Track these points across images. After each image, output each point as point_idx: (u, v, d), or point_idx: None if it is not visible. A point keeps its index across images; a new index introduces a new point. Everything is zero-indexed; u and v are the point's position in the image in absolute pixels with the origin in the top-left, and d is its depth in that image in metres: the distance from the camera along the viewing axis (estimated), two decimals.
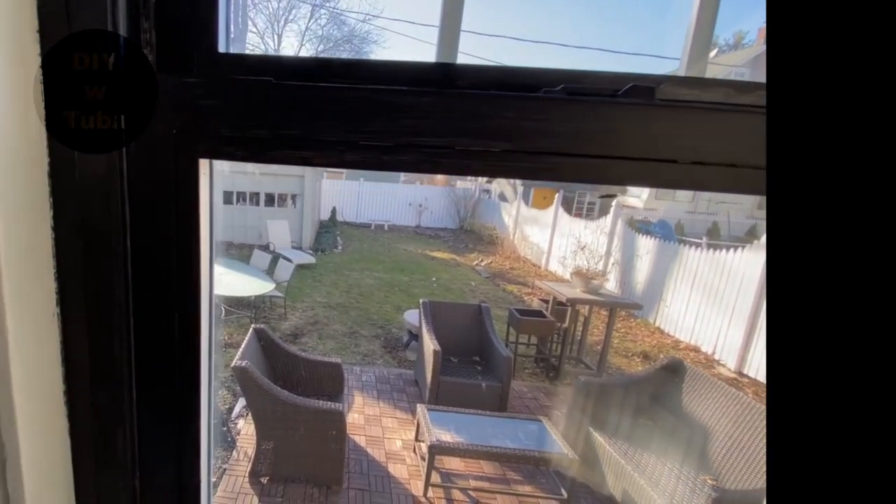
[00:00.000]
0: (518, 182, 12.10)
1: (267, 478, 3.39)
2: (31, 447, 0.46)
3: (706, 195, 13.30)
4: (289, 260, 7.18)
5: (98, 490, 0.52)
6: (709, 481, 3.07)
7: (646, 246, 7.41)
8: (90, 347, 0.48)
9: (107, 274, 0.45)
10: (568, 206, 11.13)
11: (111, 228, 0.44)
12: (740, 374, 5.43)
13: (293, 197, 11.38)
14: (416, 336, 5.36)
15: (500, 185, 14.74)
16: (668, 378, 3.77)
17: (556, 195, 10.13)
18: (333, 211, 13.57)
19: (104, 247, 0.45)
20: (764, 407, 2.85)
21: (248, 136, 0.43)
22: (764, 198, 0.34)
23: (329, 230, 12.29)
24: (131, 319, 0.47)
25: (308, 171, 10.87)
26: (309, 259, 9.46)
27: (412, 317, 5.50)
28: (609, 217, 8.20)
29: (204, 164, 0.45)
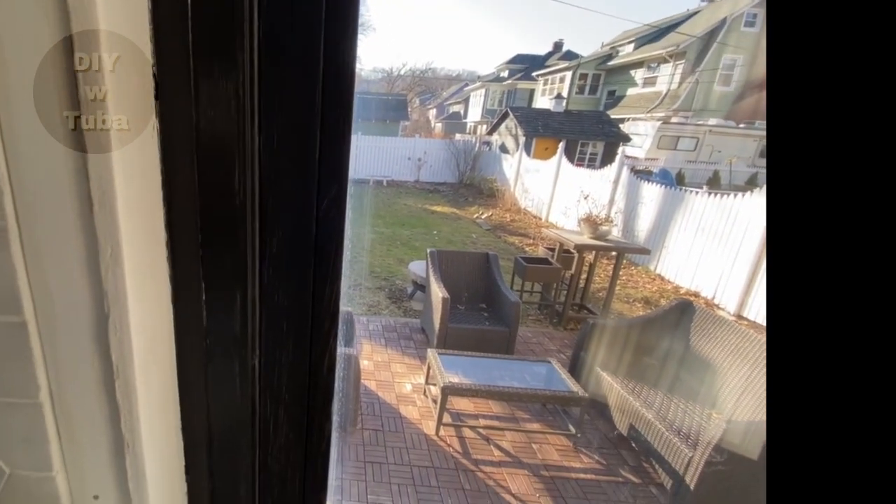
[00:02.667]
0: (520, 132, 11.79)
1: None
2: (137, 305, 0.37)
3: (709, 143, 13.12)
4: None
5: (205, 369, 0.44)
6: (714, 415, 3.18)
7: (650, 194, 7.33)
8: (199, 185, 0.37)
9: (223, 105, 0.34)
10: (570, 155, 10.91)
11: (231, 50, 0.32)
12: (739, 316, 5.55)
13: None
14: (420, 287, 5.35)
15: (502, 135, 14.36)
16: (677, 319, 3.82)
17: (559, 145, 9.90)
18: None
19: (221, 68, 0.33)
20: None
21: None
22: (765, 146, 0.36)
23: None
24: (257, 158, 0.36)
25: None
26: None
27: (417, 268, 5.47)
28: (613, 166, 8.06)
29: None
